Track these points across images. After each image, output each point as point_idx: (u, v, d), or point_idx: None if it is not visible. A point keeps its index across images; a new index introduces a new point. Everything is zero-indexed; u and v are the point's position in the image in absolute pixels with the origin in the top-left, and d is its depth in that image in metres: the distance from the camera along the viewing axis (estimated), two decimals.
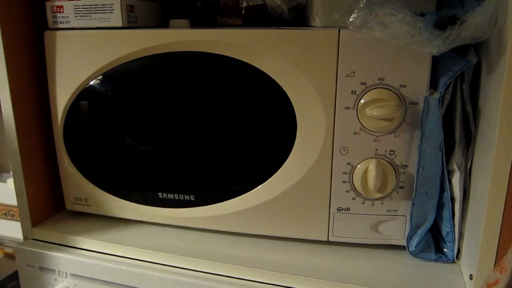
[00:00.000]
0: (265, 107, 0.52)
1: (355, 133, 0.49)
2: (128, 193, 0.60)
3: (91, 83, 0.56)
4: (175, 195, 0.57)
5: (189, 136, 0.55)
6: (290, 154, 0.52)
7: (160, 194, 0.58)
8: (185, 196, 0.57)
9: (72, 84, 0.57)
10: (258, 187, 0.54)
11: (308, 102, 0.49)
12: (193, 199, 0.57)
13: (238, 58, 0.50)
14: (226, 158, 0.55)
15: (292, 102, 0.50)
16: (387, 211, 0.52)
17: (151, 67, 0.54)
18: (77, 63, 0.56)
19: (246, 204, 0.55)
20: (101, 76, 0.55)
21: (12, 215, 1.22)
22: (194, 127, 0.54)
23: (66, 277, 0.58)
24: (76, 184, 0.61)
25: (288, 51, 0.49)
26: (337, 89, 0.49)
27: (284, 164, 0.52)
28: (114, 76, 0.55)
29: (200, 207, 0.57)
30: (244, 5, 0.56)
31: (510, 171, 0.41)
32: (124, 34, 0.53)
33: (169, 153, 0.56)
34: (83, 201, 0.62)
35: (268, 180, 0.53)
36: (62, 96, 0.57)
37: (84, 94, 0.57)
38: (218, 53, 0.51)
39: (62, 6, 0.55)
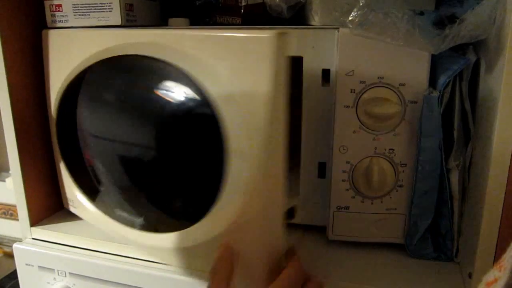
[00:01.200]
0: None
1: (354, 131, 0.49)
2: (100, 201, 0.56)
3: (74, 83, 0.54)
4: (125, 213, 0.53)
5: (143, 151, 0.49)
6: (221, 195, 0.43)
7: (119, 210, 0.54)
8: (132, 217, 0.52)
9: (63, 83, 0.55)
10: None
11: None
12: (142, 222, 0.51)
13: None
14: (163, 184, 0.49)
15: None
16: (386, 209, 0.52)
17: (107, 71, 0.51)
18: (72, 61, 0.55)
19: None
20: (85, 76, 0.53)
21: (11, 214, 1.21)
22: (147, 140, 0.49)
23: (65, 276, 0.58)
24: (66, 184, 0.61)
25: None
26: (336, 88, 0.49)
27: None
28: (96, 75, 0.52)
29: (145, 232, 0.52)
30: (243, 3, 0.56)
31: (509, 169, 0.41)
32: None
33: (129, 168, 0.51)
34: (70, 202, 0.61)
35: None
36: (55, 95, 0.57)
37: (71, 93, 0.55)
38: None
39: (60, 5, 0.55)
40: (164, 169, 0.48)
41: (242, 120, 0.40)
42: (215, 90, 0.41)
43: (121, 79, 0.51)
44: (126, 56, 0.48)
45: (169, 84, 0.46)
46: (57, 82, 0.56)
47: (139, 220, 0.52)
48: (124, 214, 0.53)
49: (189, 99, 0.44)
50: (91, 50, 0.50)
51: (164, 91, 0.46)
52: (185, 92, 0.44)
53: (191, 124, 0.45)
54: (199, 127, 0.44)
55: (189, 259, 0.49)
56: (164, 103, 0.46)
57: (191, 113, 0.44)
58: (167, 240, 0.49)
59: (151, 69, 0.47)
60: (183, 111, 0.45)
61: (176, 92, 0.45)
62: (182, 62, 0.43)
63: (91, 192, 0.58)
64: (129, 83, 0.50)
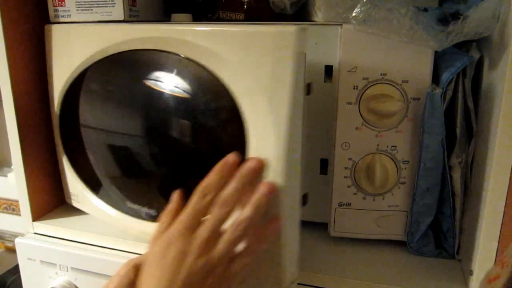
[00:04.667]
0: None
1: (356, 128, 0.49)
2: (106, 194, 0.56)
3: (77, 78, 0.54)
4: (140, 207, 0.53)
5: (149, 143, 0.50)
6: None
7: (128, 203, 0.54)
8: (141, 208, 0.53)
9: (67, 78, 0.55)
10: None
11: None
12: (155, 214, 0.52)
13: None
14: (183, 171, 0.49)
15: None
16: (388, 206, 0.52)
17: (112, 66, 0.51)
18: (76, 56, 0.55)
19: None
20: (87, 71, 0.53)
21: (13, 209, 1.22)
22: (153, 133, 0.50)
23: (67, 271, 0.58)
24: (69, 179, 0.61)
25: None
26: (339, 85, 0.48)
27: None
28: (99, 71, 0.52)
29: (154, 223, 0.51)
30: None
31: (511, 167, 0.41)
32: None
33: (136, 161, 0.52)
34: (74, 197, 0.61)
35: None
36: (58, 90, 0.57)
37: (74, 88, 0.55)
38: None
39: (63, 0, 0.55)
40: (177, 160, 0.49)
41: (262, 112, 0.41)
42: (236, 84, 0.42)
43: (128, 74, 0.51)
44: (132, 51, 0.48)
45: (181, 77, 0.46)
46: (60, 76, 0.56)
47: (148, 211, 0.53)
48: (133, 206, 0.54)
49: (206, 92, 0.45)
50: (96, 46, 0.50)
51: (176, 84, 0.46)
52: (200, 85, 0.45)
53: (210, 118, 0.46)
54: (218, 119, 0.45)
55: None
56: (178, 96, 0.46)
57: (209, 107, 0.45)
58: None
59: (160, 63, 0.47)
60: (198, 105, 0.46)
61: (190, 86, 0.45)
62: (198, 56, 0.44)
63: (95, 186, 0.58)
64: (136, 78, 0.50)
